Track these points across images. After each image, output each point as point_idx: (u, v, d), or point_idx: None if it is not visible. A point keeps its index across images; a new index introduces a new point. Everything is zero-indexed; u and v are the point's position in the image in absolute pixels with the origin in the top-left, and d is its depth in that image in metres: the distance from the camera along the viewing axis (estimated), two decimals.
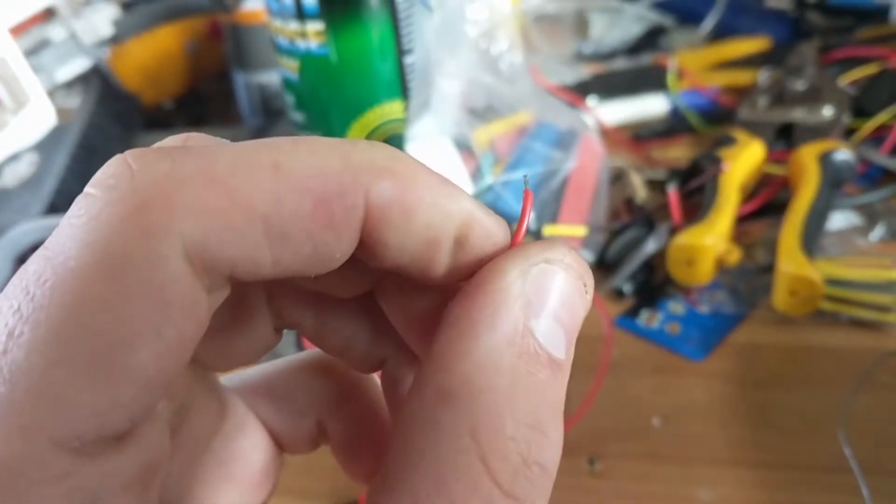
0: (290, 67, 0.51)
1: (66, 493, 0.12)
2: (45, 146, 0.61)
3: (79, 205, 0.13)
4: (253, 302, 0.18)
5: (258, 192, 0.13)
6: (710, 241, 0.47)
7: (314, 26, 0.47)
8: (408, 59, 0.50)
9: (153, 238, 0.12)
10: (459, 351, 0.14)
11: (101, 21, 0.67)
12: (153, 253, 0.12)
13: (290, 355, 0.21)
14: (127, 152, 0.13)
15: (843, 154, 0.53)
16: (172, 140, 0.15)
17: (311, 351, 0.21)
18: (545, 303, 0.15)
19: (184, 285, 0.13)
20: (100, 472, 0.13)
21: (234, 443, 0.19)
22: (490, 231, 0.16)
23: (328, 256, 0.14)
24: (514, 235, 0.16)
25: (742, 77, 0.69)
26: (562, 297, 0.15)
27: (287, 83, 0.52)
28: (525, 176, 0.16)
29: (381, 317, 0.18)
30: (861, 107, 0.60)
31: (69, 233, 0.12)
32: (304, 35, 0.48)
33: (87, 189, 0.13)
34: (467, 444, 0.13)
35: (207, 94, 0.83)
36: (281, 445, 0.21)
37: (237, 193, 0.13)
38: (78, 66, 0.67)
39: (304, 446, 0.21)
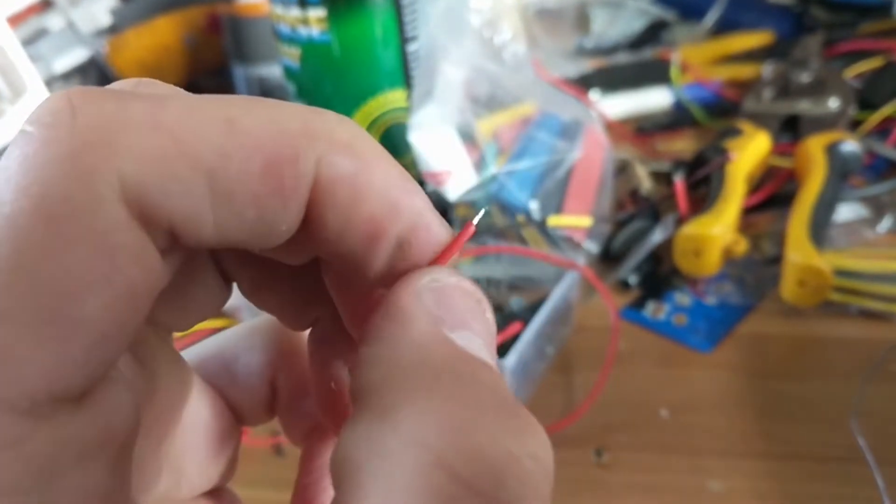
0: (292, 56, 0.50)
1: (20, 460, 0.11)
2: None
3: (14, 144, 0.12)
4: (201, 255, 0.17)
5: (206, 144, 0.12)
6: (718, 231, 0.46)
7: (316, 13, 0.47)
8: (411, 47, 0.49)
9: (92, 181, 0.11)
10: (384, 372, 0.13)
11: (100, 11, 0.67)
12: (93, 196, 0.11)
13: (244, 322, 0.21)
14: (70, 89, 0.12)
15: (850, 145, 0.52)
16: (123, 83, 0.14)
17: (264, 316, 0.20)
18: (453, 316, 0.14)
19: (127, 232, 0.12)
20: (55, 437, 0.11)
21: (195, 413, 0.18)
22: (435, 240, 0.15)
23: (273, 227, 0.13)
24: (442, 254, 0.15)
25: (745, 71, 0.69)
26: (465, 310, 0.14)
27: (288, 72, 0.52)
28: (485, 210, 0.15)
29: (319, 280, 0.17)
30: (866, 99, 0.60)
31: (4, 176, 0.11)
32: (305, 22, 0.47)
33: (24, 126, 0.12)
34: (418, 456, 0.12)
35: (206, 89, 0.82)
36: (241, 417, 0.20)
37: (183, 142, 0.12)
38: (76, 56, 0.66)
39: (262, 414, 0.20)
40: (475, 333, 0.14)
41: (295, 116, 0.13)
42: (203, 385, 0.19)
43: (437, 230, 0.15)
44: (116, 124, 0.12)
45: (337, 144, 0.13)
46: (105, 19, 0.68)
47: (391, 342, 0.13)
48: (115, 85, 0.14)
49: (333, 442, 0.20)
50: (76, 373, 0.11)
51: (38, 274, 0.11)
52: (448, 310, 0.14)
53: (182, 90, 0.14)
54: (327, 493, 0.21)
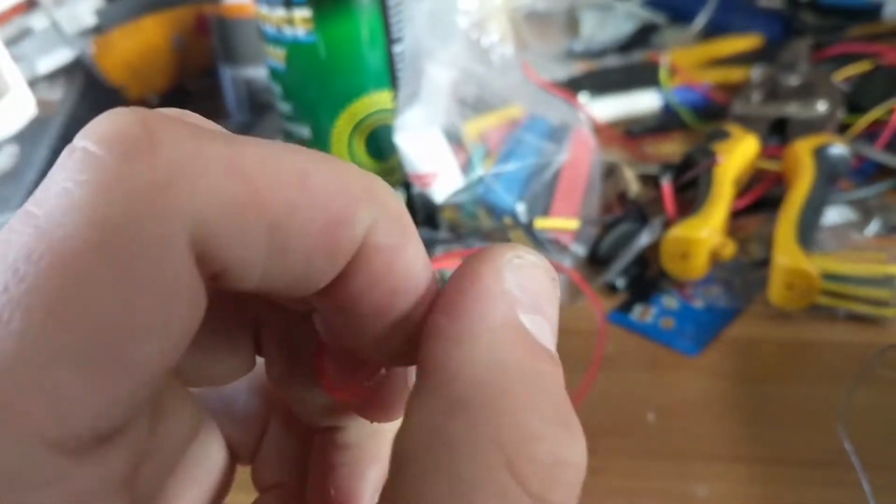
0: (277, 57, 0.49)
1: (61, 497, 0.11)
2: (26, 138, 0.60)
3: (78, 164, 0.11)
4: (239, 322, 0.17)
5: (277, 196, 0.12)
6: (705, 233, 0.46)
7: (301, 13, 0.46)
8: (397, 49, 0.49)
9: (167, 222, 0.11)
10: (456, 356, 0.13)
11: (84, 11, 0.66)
12: (165, 239, 0.11)
13: None
14: (140, 110, 0.12)
15: (838, 148, 0.52)
16: (169, 112, 0.13)
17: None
18: (529, 297, 0.14)
19: (190, 277, 0.11)
20: (95, 474, 0.11)
21: (202, 447, 0.18)
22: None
23: (314, 282, 0.13)
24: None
25: (734, 74, 0.69)
26: (541, 291, 0.14)
27: (274, 73, 0.51)
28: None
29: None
30: (854, 103, 0.60)
31: (68, 201, 0.11)
32: (290, 22, 0.47)
33: (89, 146, 0.11)
34: (490, 455, 0.12)
35: (193, 89, 0.82)
36: (234, 454, 0.20)
37: (259, 194, 0.12)
38: (60, 57, 0.66)
39: (252, 455, 0.20)
40: (546, 318, 0.14)
41: (359, 178, 0.13)
42: (208, 422, 0.19)
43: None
44: (196, 164, 0.11)
45: (390, 214, 0.14)
46: (90, 19, 0.67)
47: (469, 323, 0.13)
48: (164, 111, 0.13)
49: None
50: (122, 413, 0.11)
51: (101, 313, 0.11)
52: (526, 290, 0.14)
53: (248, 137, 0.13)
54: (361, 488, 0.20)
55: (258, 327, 0.18)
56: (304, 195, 0.12)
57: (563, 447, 0.12)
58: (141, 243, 0.11)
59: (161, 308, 0.11)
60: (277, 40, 0.49)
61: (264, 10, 0.48)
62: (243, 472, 0.39)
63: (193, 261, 0.11)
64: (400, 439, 0.13)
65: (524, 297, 0.14)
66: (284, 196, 0.12)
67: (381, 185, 0.14)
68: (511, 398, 0.12)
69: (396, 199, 0.14)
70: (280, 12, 0.47)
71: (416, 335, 0.14)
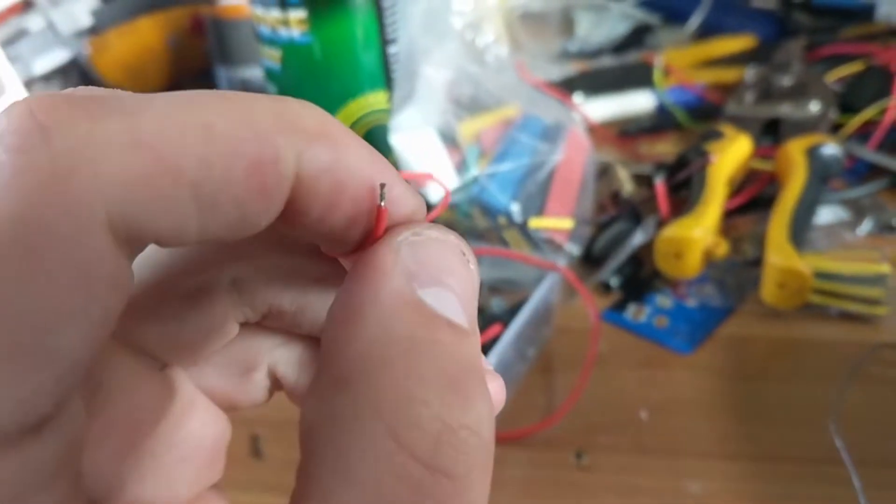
0: (273, 57, 0.50)
1: None
2: None
3: None
4: (214, 290, 0.17)
5: (187, 155, 0.12)
6: (699, 233, 0.46)
7: (296, 14, 0.46)
8: (392, 49, 0.49)
9: (76, 210, 0.11)
10: (347, 335, 0.13)
11: (80, 11, 0.66)
12: (76, 227, 0.11)
13: None
14: (30, 100, 0.12)
15: (831, 148, 0.53)
16: (65, 92, 0.13)
17: None
18: (428, 271, 0.14)
19: (109, 260, 0.11)
20: (21, 465, 0.11)
21: (185, 423, 0.18)
22: (407, 209, 0.15)
23: (254, 223, 0.13)
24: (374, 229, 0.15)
25: (728, 74, 0.69)
26: (442, 265, 0.14)
27: (269, 74, 0.51)
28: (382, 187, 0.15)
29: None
30: (847, 103, 0.60)
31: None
32: (286, 23, 0.47)
33: None
34: (373, 425, 0.12)
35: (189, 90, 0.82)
36: (233, 404, 0.20)
37: (165, 158, 0.12)
38: (56, 57, 0.66)
39: (259, 399, 0.20)
40: (449, 289, 0.14)
41: (265, 111, 0.13)
42: (193, 395, 0.19)
43: (410, 199, 0.15)
44: (95, 145, 0.11)
45: (312, 136, 0.13)
46: (86, 20, 0.67)
47: (361, 302, 0.13)
48: (58, 93, 0.13)
49: None
50: (47, 402, 0.11)
51: (15, 306, 0.11)
52: (424, 265, 0.14)
53: (141, 94, 0.13)
54: None
55: (249, 292, 0.18)
56: (213, 147, 0.12)
57: (453, 411, 0.12)
58: (49, 235, 0.11)
59: (77, 296, 0.11)
60: (273, 41, 0.49)
61: (259, 12, 0.48)
62: (243, 474, 0.39)
63: (111, 243, 0.11)
64: (301, 420, 0.13)
65: (421, 271, 0.14)
66: (194, 154, 0.12)
67: (291, 108, 0.14)
68: (392, 368, 0.12)
69: (314, 114, 0.14)
70: (275, 13, 0.47)
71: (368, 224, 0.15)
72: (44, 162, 0.11)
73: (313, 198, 0.14)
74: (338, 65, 0.48)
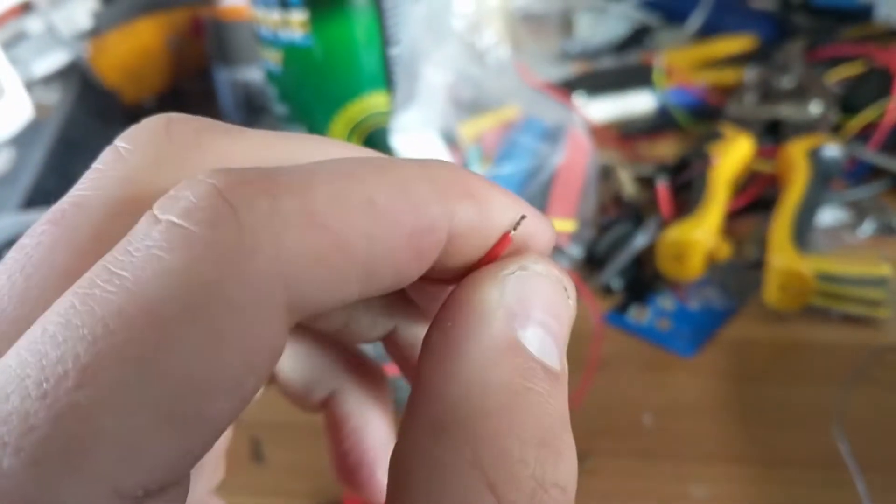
0: (274, 59, 0.50)
1: None
2: (23, 141, 0.60)
3: (165, 234, 0.12)
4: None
5: (356, 232, 0.13)
6: (700, 235, 0.46)
7: (297, 16, 0.46)
8: (393, 51, 0.49)
9: (258, 285, 0.12)
10: (445, 374, 0.13)
11: (80, 13, 0.66)
12: (256, 301, 0.12)
13: None
14: (211, 176, 0.12)
15: (832, 149, 0.52)
16: (246, 171, 0.14)
17: None
18: (529, 311, 0.14)
19: (276, 334, 0.12)
20: None
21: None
22: (542, 246, 0.16)
23: (404, 282, 0.14)
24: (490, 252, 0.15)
25: (728, 75, 0.69)
26: (545, 304, 0.14)
27: (270, 75, 0.51)
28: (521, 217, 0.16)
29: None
30: (848, 104, 0.60)
31: (159, 266, 0.11)
32: (287, 25, 0.47)
33: (173, 219, 0.12)
34: (472, 477, 0.12)
35: (189, 92, 0.82)
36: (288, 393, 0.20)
37: (339, 237, 0.12)
38: (56, 60, 0.66)
39: (307, 407, 0.21)
40: (547, 330, 0.14)
41: (418, 180, 0.14)
42: None
43: (544, 235, 0.16)
44: (275, 223, 0.12)
45: (459, 196, 0.14)
46: (86, 22, 0.67)
47: (459, 339, 0.13)
48: (236, 171, 0.13)
49: (362, 403, 0.21)
50: (187, 466, 0.11)
51: (184, 372, 0.11)
52: (527, 303, 0.14)
53: (302, 165, 0.14)
54: (370, 455, 0.21)
55: None
56: (378, 223, 0.13)
57: (547, 470, 0.13)
58: (230, 306, 0.11)
59: (242, 368, 0.12)
60: (273, 43, 0.49)
61: (260, 13, 0.48)
62: (244, 478, 0.39)
63: (282, 317, 0.12)
64: (393, 456, 0.13)
65: (523, 311, 0.14)
66: (361, 230, 0.13)
67: (439, 171, 0.14)
68: (491, 420, 0.12)
69: (457, 174, 0.15)
70: (276, 15, 0.47)
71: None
72: (232, 236, 0.12)
73: (458, 250, 0.15)
74: (338, 66, 0.48)
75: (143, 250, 0.11)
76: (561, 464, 0.13)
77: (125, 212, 0.13)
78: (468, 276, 0.15)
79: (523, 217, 0.15)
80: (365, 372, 0.21)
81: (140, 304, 0.11)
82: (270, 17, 0.48)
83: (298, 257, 0.12)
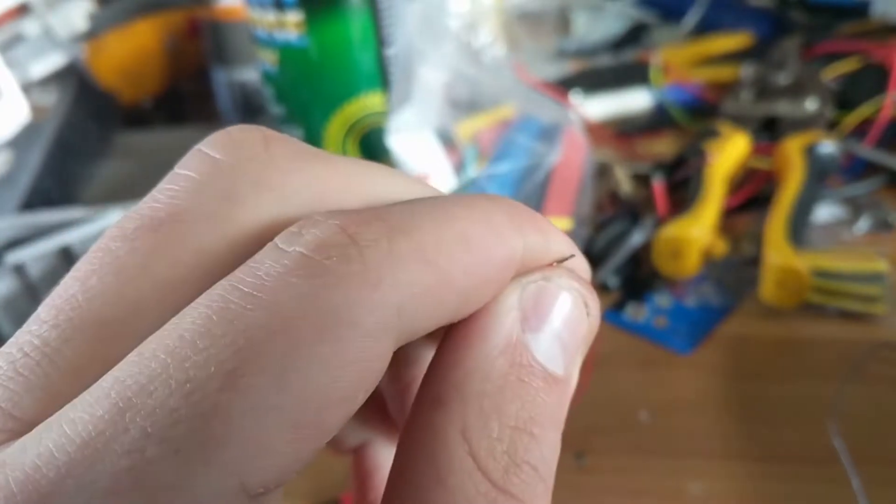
0: (270, 60, 0.50)
1: None
2: (20, 143, 0.60)
3: (297, 264, 0.13)
4: None
5: (457, 268, 0.14)
6: (697, 232, 0.46)
7: (293, 17, 0.46)
8: (389, 51, 0.49)
9: (380, 313, 0.13)
10: (453, 361, 0.15)
11: (77, 15, 0.66)
12: (379, 327, 0.13)
13: None
14: (333, 217, 0.14)
15: (828, 146, 0.53)
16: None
17: None
18: (542, 318, 0.15)
19: (386, 356, 0.13)
20: None
21: None
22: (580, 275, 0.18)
23: (483, 302, 0.16)
24: None
25: (725, 72, 0.69)
26: (561, 315, 0.16)
27: (266, 76, 0.51)
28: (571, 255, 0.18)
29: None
30: (844, 101, 0.60)
31: (294, 291, 0.13)
32: (282, 25, 0.47)
33: (304, 251, 0.13)
34: (459, 443, 0.14)
35: (187, 93, 0.82)
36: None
37: (445, 272, 0.14)
38: (53, 62, 0.66)
39: (338, 451, 0.22)
40: (559, 339, 0.16)
41: (500, 214, 0.15)
42: None
43: (578, 264, 0.18)
44: (394, 262, 0.13)
45: (532, 229, 0.16)
46: (82, 24, 0.67)
47: (474, 336, 0.15)
48: (353, 212, 0.14)
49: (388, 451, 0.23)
50: (299, 468, 0.13)
51: (314, 383, 0.12)
52: (541, 309, 0.16)
53: (404, 203, 0.16)
54: None
55: None
56: (472, 256, 0.14)
57: (519, 449, 0.14)
58: (356, 329, 0.13)
59: (358, 384, 0.13)
60: (269, 43, 0.49)
61: (256, 14, 0.48)
62: None
63: (393, 342, 0.14)
64: (401, 433, 0.15)
65: (536, 317, 0.15)
66: (460, 265, 0.14)
67: (512, 206, 0.16)
68: (484, 400, 0.14)
69: (523, 208, 0.16)
70: (271, 16, 0.47)
71: None
72: (358, 269, 0.13)
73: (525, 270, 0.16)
74: (334, 67, 0.48)
75: (274, 276, 0.13)
76: (534, 447, 0.14)
77: (231, 231, 0.15)
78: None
79: (573, 255, 0.17)
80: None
81: (280, 322, 0.12)
82: (266, 18, 0.48)
83: (411, 290, 0.14)
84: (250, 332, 0.12)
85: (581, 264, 0.18)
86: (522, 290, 0.16)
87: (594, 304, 0.16)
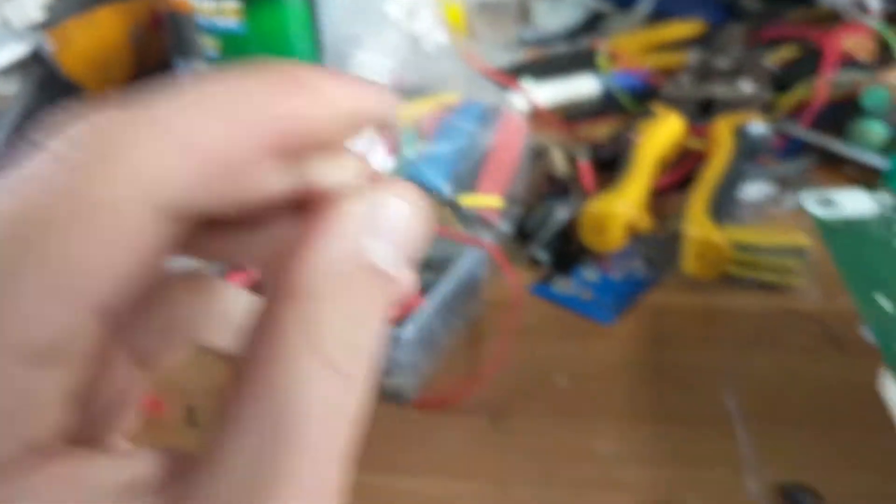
0: (212, 47, 0.51)
1: (15, 397, 0.14)
2: None
3: (50, 159, 0.14)
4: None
5: (208, 137, 0.15)
6: (620, 207, 0.48)
7: (230, 4, 0.48)
8: (325, 37, 0.51)
9: (119, 188, 0.14)
10: (301, 258, 0.16)
11: (31, 4, 0.67)
12: (121, 199, 0.14)
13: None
14: (88, 116, 0.15)
15: (758, 126, 0.54)
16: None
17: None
18: (376, 225, 0.17)
19: (144, 227, 0.14)
20: (46, 381, 0.14)
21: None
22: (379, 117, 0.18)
23: (274, 186, 0.16)
24: None
25: (674, 59, 0.70)
26: (395, 219, 0.17)
27: (210, 63, 0.53)
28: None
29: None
30: (782, 83, 0.62)
31: (46, 185, 0.14)
32: (221, 13, 0.49)
33: (56, 148, 0.14)
34: (297, 330, 0.15)
35: (152, 83, 0.83)
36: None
37: (190, 145, 0.15)
38: (12, 52, 0.67)
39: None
40: (392, 243, 0.17)
41: (257, 83, 0.16)
42: None
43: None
44: (135, 140, 0.14)
45: (296, 89, 0.16)
46: (37, 13, 0.68)
47: (322, 236, 0.16)
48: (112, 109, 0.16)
49: None
50: (72, 338, 0.14)
51: (64, 256, 0.13)
52: (376, 215, 0.17)
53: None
54: None
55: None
56: (229, 128, 0.15)
57: (348, 334, 0.16)
58: (97, 204, 0.14)
59: (111, 255, 0.14)
60: (211, 31, 0.51)
61: (195, 2, 0.50)
62: (180, 443, 0.41)
63: (147, 212, 0.14)
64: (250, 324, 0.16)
65: (371, 224, 0.17)
66: (213, 135, 0.15)
67: (270, 74, 0.16)
68: (320, 296, 0.16)
69: (288, 72, 0.16)
70: (209, 3, 0.49)
71: None
72: (96, 154, 0.14)
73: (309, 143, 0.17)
74: (272, 53, 0.50)
75: (32, 170, 0.14)
76: (361, 333, 0.16)
77: None
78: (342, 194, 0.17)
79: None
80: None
81: (31, 209, 0.14)
82: (206, 6, 0.49)
83: (158, 165, 0.14)
84: (11, 221, 0.14)
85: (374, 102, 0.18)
86: (361, 196, 0.17)
87: (426, 210, 0.18)
